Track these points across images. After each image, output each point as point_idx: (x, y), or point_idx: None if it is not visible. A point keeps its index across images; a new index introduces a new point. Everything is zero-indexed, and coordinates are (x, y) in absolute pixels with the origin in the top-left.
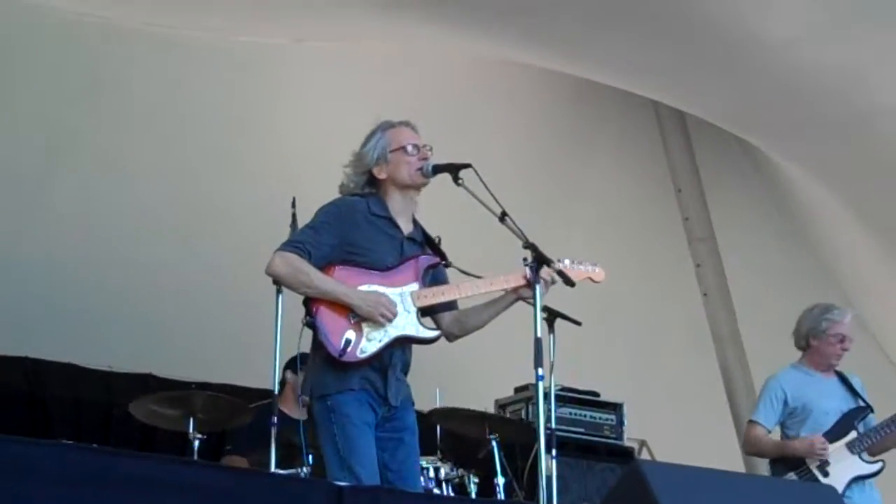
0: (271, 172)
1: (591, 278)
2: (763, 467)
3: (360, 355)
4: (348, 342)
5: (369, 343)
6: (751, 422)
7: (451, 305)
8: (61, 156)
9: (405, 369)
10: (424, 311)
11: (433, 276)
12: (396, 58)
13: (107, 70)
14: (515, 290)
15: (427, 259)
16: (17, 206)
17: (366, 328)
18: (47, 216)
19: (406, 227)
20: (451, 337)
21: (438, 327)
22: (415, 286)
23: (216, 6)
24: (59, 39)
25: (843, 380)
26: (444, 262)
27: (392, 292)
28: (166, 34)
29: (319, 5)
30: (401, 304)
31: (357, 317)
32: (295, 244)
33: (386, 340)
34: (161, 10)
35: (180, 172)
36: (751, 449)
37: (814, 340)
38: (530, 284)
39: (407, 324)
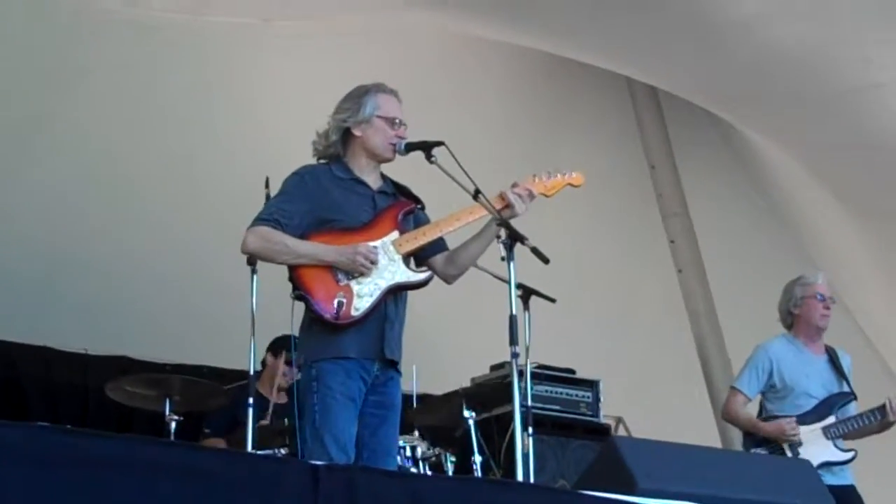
0: (245, 154)
1: (570, 184)
2: (739, 442)
3: (356, 313)
4: (341, 304)
5: (361, 300)
6: (733, 388)
7: (440, 247)
8: (35, 138)
9: (402, 322)
10: (415, 259)
11: (415, 222)
12: (366, 35)
13: (78, 51)
14: (499, 213)
15: (402, 206)
16: None
17: (355, 286)
18: (21, 200)
19: (374, 184)
20: (449, 278)
21: (433, 272)
22: (395, 234)
23: None
24: (29, 20)
25: (833, 360)
26: (419, 206)
27: (372, 245)
28: (137, 15)
29: None
30: (384, 254)
31: (345, 277)
32: (264, 218)
33: (378, 294)
34: None
35: (154, 155)
36: (727, 416)
37: (795, 309)
38: (509, 205)
39: (395, 272)
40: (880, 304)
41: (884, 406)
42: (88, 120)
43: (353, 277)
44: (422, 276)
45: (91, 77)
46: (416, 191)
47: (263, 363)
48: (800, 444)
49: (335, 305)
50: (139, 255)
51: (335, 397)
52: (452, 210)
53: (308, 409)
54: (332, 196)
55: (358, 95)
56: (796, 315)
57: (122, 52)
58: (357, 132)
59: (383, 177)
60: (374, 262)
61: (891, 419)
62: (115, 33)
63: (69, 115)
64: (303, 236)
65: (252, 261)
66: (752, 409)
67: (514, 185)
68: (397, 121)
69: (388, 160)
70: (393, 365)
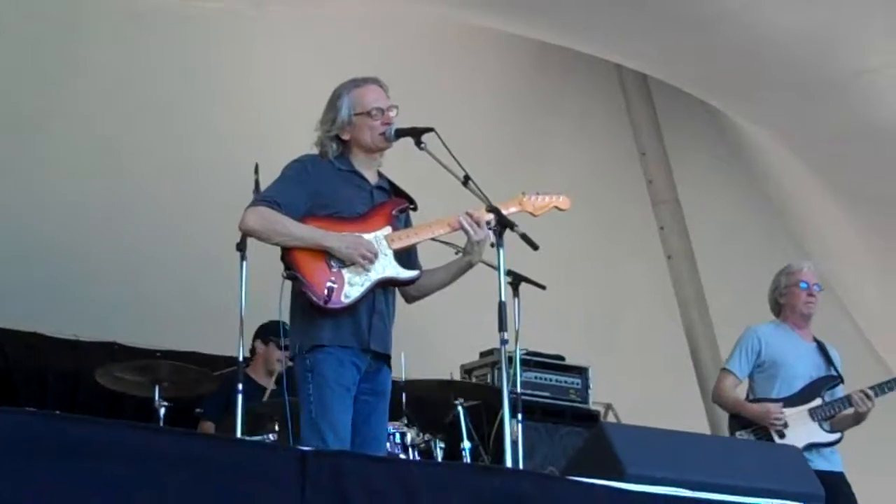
0: (237, 140)
1: (557, 207)
2: (727, 427)
3: (345, 300)
4: (331, 289)
5: (352, 288)
6: (723, 370)
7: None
8: (30, 128)
9: (391, 317)
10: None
11: (405, 223)
12: (358, 22)
13: (73, 40)
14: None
15: (397, 203)
16: None
17: (347, 274)
18: (13, 185)
19: (372, 179)
20: (408, 298)
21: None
22: (388, 230)
23: None
24: (26, 9)
25: (822, 349)
26: (412, 207)
27: (366, 237)
28: (130, 3)
29: None
30: (377, 247)
31: (338, 264)
32: (264, 198)
33: (368, 284)
34: None
35: (146, 141)
36: (716, 397)
37: (781, 299)
38: (494, 211)
39: (386, 266)
40: (871, 292)
41: (849, 396)
42: (79, 109)
43: (346, 266)
44: (411, 274)
45: (86, 68)
46: (404, 179)
47: (253, 350)
48: (785, 425)
49: (326, 290)
50: (130, 242)
51: (330, 386)
52: (438, 200)
53: (304, 399)
54: (331, 185)
55: (333, 103)
56: (782, 304)
57: (115, 40)
58: (345, 136)
59: (380, 175)
60: (375, 256)
61: (860, 409)
62: (107, 22)
63: (60, 106)
64: (299, 221)
65: (241, 246)
66: (741, 392)
67: (468, 213)
68: (379, 110)
69: (383, 149)
70: (383, 359)
